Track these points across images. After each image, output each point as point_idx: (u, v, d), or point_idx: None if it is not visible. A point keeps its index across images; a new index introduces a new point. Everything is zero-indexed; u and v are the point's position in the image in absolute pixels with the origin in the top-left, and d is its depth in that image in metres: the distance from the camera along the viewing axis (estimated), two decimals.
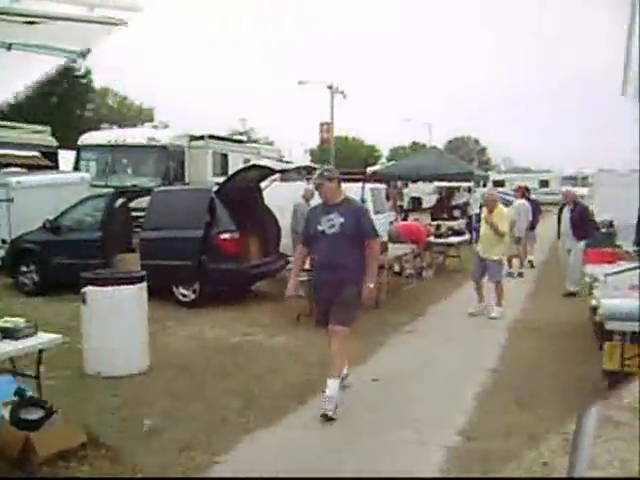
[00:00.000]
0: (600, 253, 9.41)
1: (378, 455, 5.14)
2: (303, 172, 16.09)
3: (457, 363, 7.79)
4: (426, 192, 33.77)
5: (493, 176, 41.61)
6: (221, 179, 13.02)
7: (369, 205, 14.33)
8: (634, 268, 7.53)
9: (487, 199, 10.79)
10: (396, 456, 5.12)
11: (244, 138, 29.15)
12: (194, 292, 10.83)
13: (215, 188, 11.44)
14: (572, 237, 12.21)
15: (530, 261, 16.62)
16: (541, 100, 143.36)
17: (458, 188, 29.96)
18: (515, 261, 15.46)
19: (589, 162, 65.35)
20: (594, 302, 6.77)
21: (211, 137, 18.43)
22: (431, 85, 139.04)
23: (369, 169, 20.46)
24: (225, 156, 19.02)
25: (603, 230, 16.81)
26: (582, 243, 11.84)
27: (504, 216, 10.51)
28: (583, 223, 12.22)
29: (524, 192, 16.71)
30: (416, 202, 34.13)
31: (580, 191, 33.97)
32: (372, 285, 6.19)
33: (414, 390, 6.76)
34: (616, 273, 7.29)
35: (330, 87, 45.04)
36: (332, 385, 5.98)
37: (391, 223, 15.72)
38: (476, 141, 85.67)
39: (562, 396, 6.47)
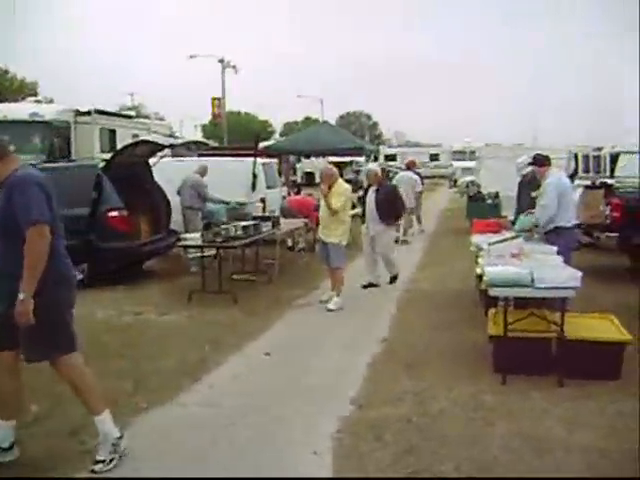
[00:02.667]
0: (485, 223, 9.74)
1: (273, 427, 5.17)
2: (193, 147, 15.86)
3: (349, 334, 7.92)
4: (319, 167, 33.98)
5: (384, 150, 42.30)
6: (109, 156, 12.67)
7: (261, 179, 14.32)
8: (516, 237, 7.85)
9: (323, 173, 9.52)
10: (290, 427, 5.17)
11: (133, 113, 28.42)
12: (82, 272, 10.49)
13: (102, 164, 11.12)
14: (377, 221, 10.48)
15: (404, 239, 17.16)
16: (432, 75, 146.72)
17: (350, 163, 30.21)
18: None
19: (477, 136, 67.52)
20: (479, 270, 7.00)
21: (98, 112, 17.85)
22: (324, 60, 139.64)
23: (262, 144, 20.37)
24: (113, 132, 18.48)
25: (489, 201, 17.60)
26: (387, 227, 10.66)
27: (341, 192, 9.26)
28: (390, 205, 10.56)
29: (409, 165, 18.27)
30: (309, 177, 34.29)
31: (468, 164, 35.25)
32: (23, 297, 4.07)
33: (307, 362, 6.83)
34: (499, 242, 7.56)
35: (221, 61, 44.51)
36: None
37: (284, 198, 15.76)
38: (368, 116, 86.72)
39: (450, 362, 6.70)
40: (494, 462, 4.48)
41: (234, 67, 45.18)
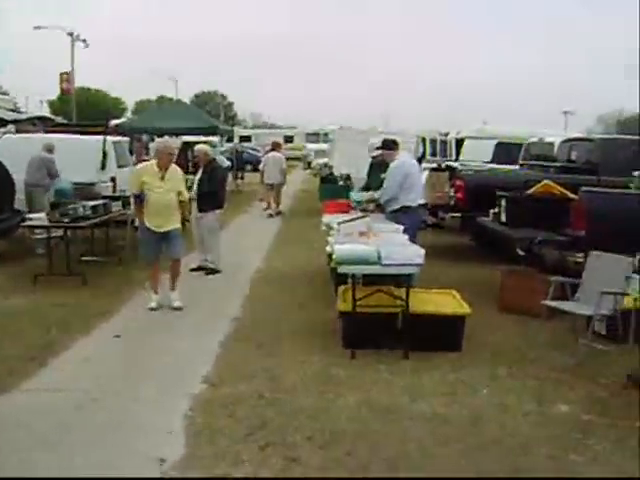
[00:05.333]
0: (336, 204, 9.97)
1: (125, 409, 5.10)
2: (39, 123, 15.17)
3: (202, 314, 7.88)
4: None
5: (239, 131, 42.16)
6: None
7: (111, 158, 13.90)
8: (364, 216, 8.12)
9: (160, 151, 8.27)
10: (143, 409, 5.11)
11: None
12: None
13: None
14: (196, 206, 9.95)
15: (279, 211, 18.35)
16: (289, 58, 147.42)
17: (205, 143, 29.85)
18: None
19: (332, 118, 68.79)
20: (329, 249, 7.18)
21: None
22: (178, 38, 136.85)
23: (113, 122, 19.79)
24: None
25: (341, 183, 18.02)
26: (212, 214, 9.86)
27: (181, 178, 8.27)
28: (211, 191, 9.85)
29: (274, 146, 19.25)
30: None
31: (322, 147, 35.80)
32: None
33: (159, 343, 6.76)
34: (348, 221, 7.79)
35: (70, 34, 42.57)
36: None
37: None
38: (223, 96, 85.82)
39: (301, 338, 6.86)
40: (344, 432, 4.65)
41: (84, 41, 43.31)
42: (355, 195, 10.18)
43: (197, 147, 10.64)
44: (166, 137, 22.78)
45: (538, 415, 5.06)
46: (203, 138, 22.17)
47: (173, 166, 8.16)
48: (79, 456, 4.35)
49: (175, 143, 30.84)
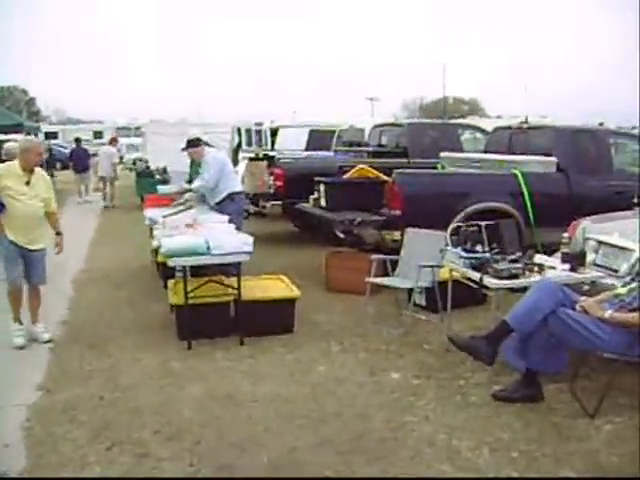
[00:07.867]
0: (158, 197, 9.87)
1: None
2: None
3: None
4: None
5: (45, 128, 40.23)
6: None
7: None
8: (188, 208, 8.17)
9: (26, 150, 6.68)
10: None
11: None
12: None
13: None
14: None
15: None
16: (93, 50, 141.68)
17: (6, 141, 28.28)
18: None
19: (141, 113, 67.20)
20: (156, 243, 7.13)
21: None
22: None
23: None
24: None
25: (158, 177, 17.79)
26: None
27: (50, 184, 7.07)
28: None
29: (111, 141, 21.28)
30: None
31: (134, 141, 34.96)
32: None
33: None
34: (174, 214, 7.78)
35: None
36: None
37: None
38: (24, 91, 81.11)
39: (135, 336, 6.78)
40: (190, 422, 4.70)
41: None
42: (162, 188, 10.35)
43: (7, 145, 10.03)
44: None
45: (372, 384, 5.39)
46: (4, 137, 21.03)
47: (38, 169, 6.85)
48: None
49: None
